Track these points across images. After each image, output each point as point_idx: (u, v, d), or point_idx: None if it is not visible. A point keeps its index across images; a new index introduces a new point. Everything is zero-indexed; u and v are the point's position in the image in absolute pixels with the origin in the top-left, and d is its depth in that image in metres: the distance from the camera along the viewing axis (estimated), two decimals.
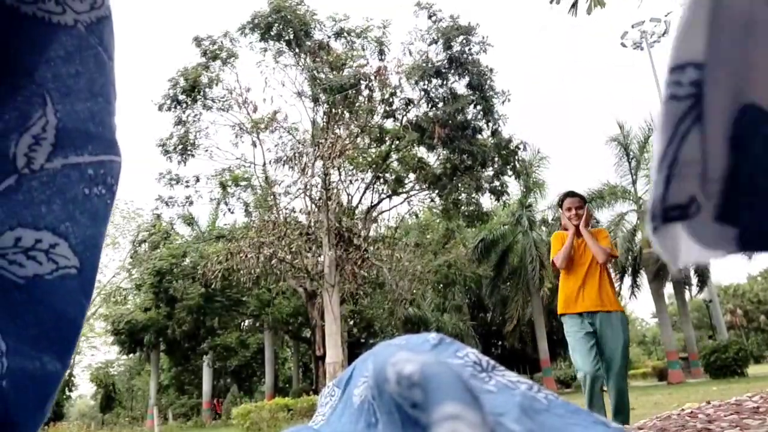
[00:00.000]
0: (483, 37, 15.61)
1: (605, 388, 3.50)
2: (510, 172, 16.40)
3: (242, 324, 27.18)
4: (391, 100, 15.99)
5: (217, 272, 14.97)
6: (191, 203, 17.82)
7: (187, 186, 17.26)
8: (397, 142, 16.32)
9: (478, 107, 15.62)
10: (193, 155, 16.19)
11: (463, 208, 16.65)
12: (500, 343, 29.10)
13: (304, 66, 15.78)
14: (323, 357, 15.79)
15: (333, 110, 15.45)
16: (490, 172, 16.16)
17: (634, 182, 20.29)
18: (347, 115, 15.62)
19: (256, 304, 22.08)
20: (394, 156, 16.97)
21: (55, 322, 0.46)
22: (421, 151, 16.78)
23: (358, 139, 15.64)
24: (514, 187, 19.88)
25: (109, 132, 0.50)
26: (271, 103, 21.78)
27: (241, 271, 14.43)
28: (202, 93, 15.91)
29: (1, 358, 0.42)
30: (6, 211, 0.44)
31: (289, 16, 15.46)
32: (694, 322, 30.13)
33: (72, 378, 31.90)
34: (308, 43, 15.94)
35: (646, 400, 8.05)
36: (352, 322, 22.34)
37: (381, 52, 16.23)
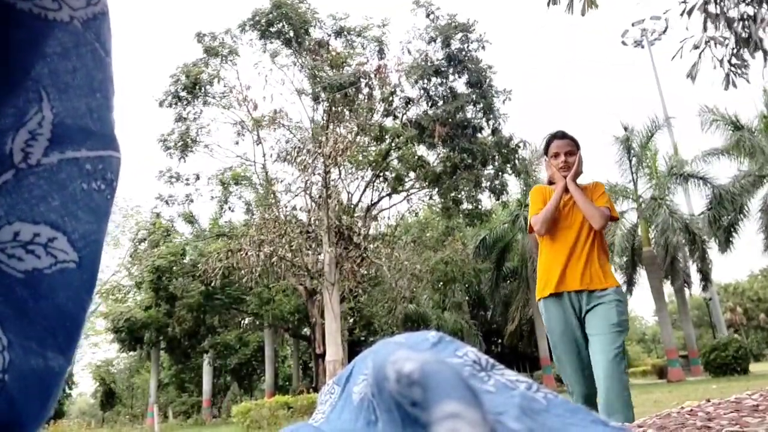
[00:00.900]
0: (480, 34, 15.64)
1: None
2: (510, 171, 16.42)
3: (242, 322, 27.23)
4: (390, 98, 16.01)
5: (217, 270, 14.99)
6: (191, 201, 17.85)
7: (187, 184, 17.29)
8: (397, 140, 16.34)
9: (478, 106, 15.63)
10: (193, 152, 16.23)
11: (463, 206, 16.67)
12: (500, 341, 29.16)
13: (304, 64, 15.79)
14: (323, 355, 15.82)
15: (333, 108, 15.47)
16: (490, 170, 16.18)
17: (634, 181, 20.28)
18: (347, 113, 15.64)
19: (256, 302, 22.11)
20: (394, 154, 17.00)
21: (56, 317, 0.46)
22: (421, 150, 16.81)
23: (358, 138, 15.67)
24: (513, 186, 19.92)
25: (107, 128, 0.50)
26: (272, 101, 21.80)
27: (242, 270, 14.45)
28: (202, 90, 15.93)
29: (2, 353, 0.42)
30: (4, 205, 0.44)
31: (289, 14, 15.47)
32: (694, 320, 30.17)
33: (72, 376, 31.96)
34: (308, 41, 15.95)
35: (646, 398, 8.06)
36: (352, 320, 22.37)
37: (380, 51, 16.25)
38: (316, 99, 15.92)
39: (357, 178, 17.10)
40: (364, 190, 17.11)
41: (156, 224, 21.21)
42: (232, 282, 18.89)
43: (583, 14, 6.11)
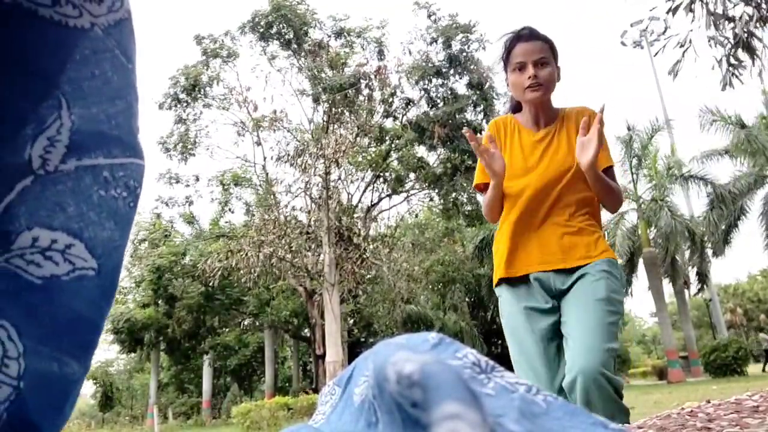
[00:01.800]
0: (482, 35, 15.64)
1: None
2: None
3: (242, 323, 27.22)
4: (391, 99, 16.01)
5: (216, 271, 14.98)
6: (191, 203, 17.87)
7: (187, 186, 17.31)
8: (397, 142, 16.35)
9: (479, 107, 15.63)
10: (193, 154, 16.23)
11: (463, 207, 16.67)
12: (500, 342, 29.12)
13: (304, 65, 15.79)
14: (323, 356, 15.80)
15: (333, 109, 15.47)
16: None
17: (635, 182, 20.27)
18: (347, 114, 15.64)
19: (256, 303, 22.10)
20: (394, 155, 17.00)
21: (73, 324, 0.46)
22: (421, 151, 16.81)
23: (358, 139, 15.68)
24: None
25: (128, 135, 0.50)
26: (272, 102, 21.81)
27: (241, 270, 14.45)
28: (202, 91, 15.94)
29: (18, 359, 0.42)
30: (24, 211, 0.44)
31: (289, 15, 15.47)
32: (694, 321, 30.14)
33: None
34: (308, 42, 15.95)
35: (646, 399, 8.06)
36: (352, 321, 22.36)
37: (380, 52, 16.25)
38: (316, 100, 15.92)
39: (357, 179, 17.11)
40: (364, 191, 17.12)
41: (156, 225, 21.23)
42: (232, 283, 18.89)
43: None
